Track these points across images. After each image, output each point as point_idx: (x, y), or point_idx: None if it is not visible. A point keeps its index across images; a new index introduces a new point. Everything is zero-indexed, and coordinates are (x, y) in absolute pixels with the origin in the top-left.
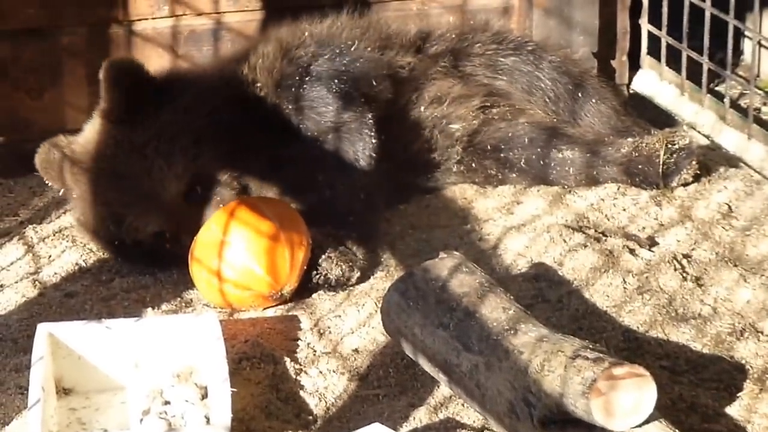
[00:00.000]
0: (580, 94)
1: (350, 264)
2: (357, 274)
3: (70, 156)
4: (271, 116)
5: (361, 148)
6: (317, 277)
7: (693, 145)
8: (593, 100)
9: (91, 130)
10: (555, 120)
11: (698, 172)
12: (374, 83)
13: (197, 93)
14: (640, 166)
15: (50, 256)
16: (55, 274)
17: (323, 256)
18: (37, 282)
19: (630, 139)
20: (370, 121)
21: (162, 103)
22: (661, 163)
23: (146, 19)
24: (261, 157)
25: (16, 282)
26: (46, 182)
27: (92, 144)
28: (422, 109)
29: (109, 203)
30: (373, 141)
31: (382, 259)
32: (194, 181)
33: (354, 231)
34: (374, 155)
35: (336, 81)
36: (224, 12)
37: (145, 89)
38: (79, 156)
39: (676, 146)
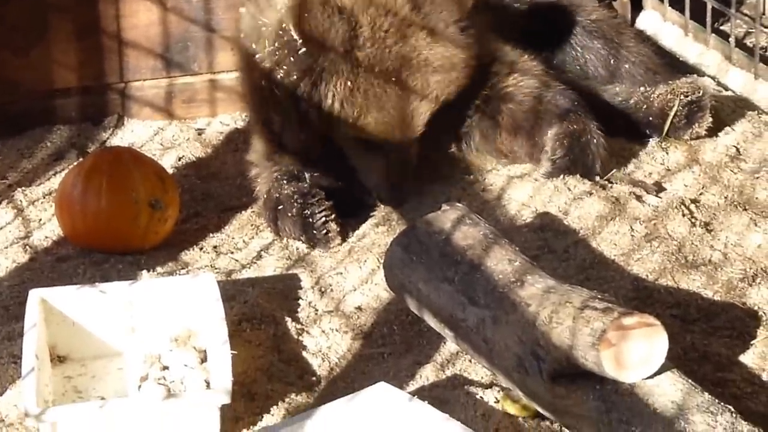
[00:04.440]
0: (612, 61)
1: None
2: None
3: None
4: None
5: None
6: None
7: (706, 97)
8: (627, 66)
9: None
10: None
11: (711, 125)
12: None
13: None
14: (650, 119)
15: (40, 220)
16: (46, 238)
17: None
18: (27, 246)
19: (641, 89)
20: None
21: None
22: (672, 115)
23: None
24: None
25: (6, 247)
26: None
27: None
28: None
29: None
30: None
31: (383, 213)
32: None
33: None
34: None
35: None
36: None
37: None
38: None
39: (689, 99)
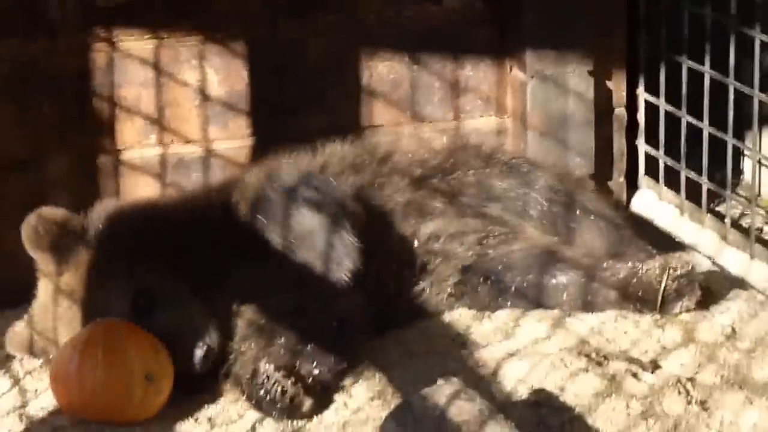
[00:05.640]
0: (576, 213)
1: (300, 387)
2: (309, 401)
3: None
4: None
5: (341, 265)
6: (257, 393)
7: (695, 271)
8: (591, 218)
9: (39, 293)
10: (550, 241)
11: (701, 299)
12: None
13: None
14: (639, 293)
15: (37, 390)
16: (42, 408)
17: (265, 373)
18: (23, 417)
19: (629, 264)
20: (351, 239)
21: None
22: (662, 290)
23: (134, 147)
24: (218, 272)
25: (2, 417)
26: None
27: (43, 306)
28: (416, 244)
29: None
30: (353, 261)
31: (379, 387)
32: (138, 296)
33: (320, 357)
34: (352, 275)
35: (319, 206)
36: (213, 139)
37: (69, 233)
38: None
39: (678, 273)
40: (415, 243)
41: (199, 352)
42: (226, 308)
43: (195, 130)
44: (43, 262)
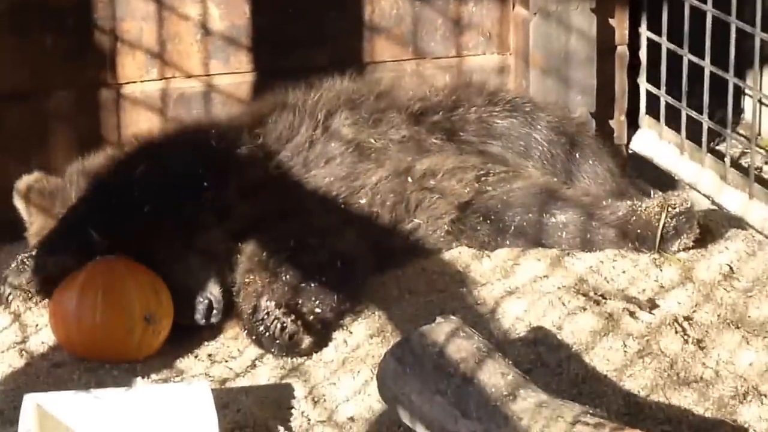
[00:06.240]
0: (576, 155)
1: (300, 324)
2: (308, 339)
3: None
4: None
5: None
6: (256, 329)
7: (694, 209)
8: (590, 162)
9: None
10: (550, 180)
11: (699, 236)
12: None
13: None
14: (638, 231)
15: (37, 325)
16: (42, 343)
17: (266, 309)
18: (24, 351)
19: (628, 202)
20: None
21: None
22: (660, 227)
23: (135, 82)
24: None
25: (3, 352)
26: None
27: None
28: (410, 180)
29: None
30: None
31: (378, 325)
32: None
33: (323, 297)
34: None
35: None
36: (214, 74)
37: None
38: None
39: (676, 210)
40: (409, 179)
41: (201, 307)
42: (225, 248)
43: (196, 64)
44: (36, 222)
